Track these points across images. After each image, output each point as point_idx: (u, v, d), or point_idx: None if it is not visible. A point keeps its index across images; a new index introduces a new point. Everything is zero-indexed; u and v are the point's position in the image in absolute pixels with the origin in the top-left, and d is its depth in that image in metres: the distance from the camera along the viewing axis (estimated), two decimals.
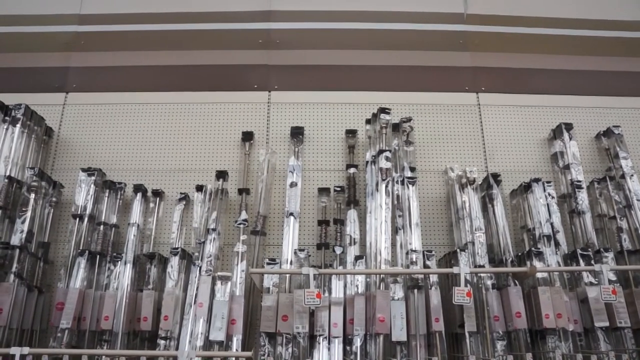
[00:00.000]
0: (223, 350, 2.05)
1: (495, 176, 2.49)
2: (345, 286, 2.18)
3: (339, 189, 2.49)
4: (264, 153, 2.54)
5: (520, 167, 2.69)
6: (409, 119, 2.62)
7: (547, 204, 2.39)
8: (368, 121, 2.63)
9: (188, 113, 2.79)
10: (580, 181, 2.47)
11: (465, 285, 1.96)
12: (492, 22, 3.08)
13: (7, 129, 2.46)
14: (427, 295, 2.13)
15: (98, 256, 2.28)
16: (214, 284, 2.16)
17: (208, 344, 2.05)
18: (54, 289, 2.30)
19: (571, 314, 2.12)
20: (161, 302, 2.16)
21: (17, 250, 2.19)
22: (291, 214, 2.41)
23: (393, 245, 2.27)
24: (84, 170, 2.46)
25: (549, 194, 2.42)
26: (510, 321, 2.09)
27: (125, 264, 2.27)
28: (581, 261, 2.20)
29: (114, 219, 2.45)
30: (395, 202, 2.36)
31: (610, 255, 2.23)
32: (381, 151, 2.41)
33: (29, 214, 2.30)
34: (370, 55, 2.96)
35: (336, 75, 2.91)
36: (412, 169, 2.51)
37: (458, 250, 2.22)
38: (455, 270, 2.00)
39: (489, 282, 2.19)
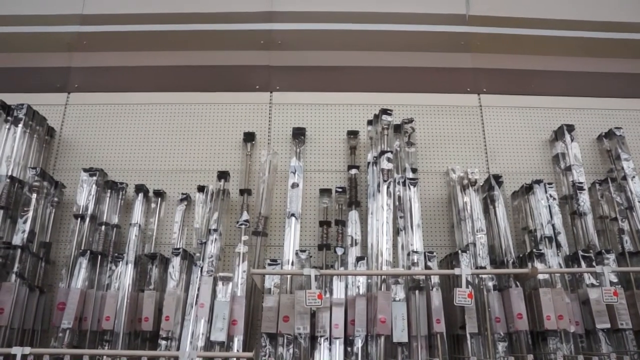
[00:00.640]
0: (224, 350, 2.05)
1: (497, 177, 2.49)
2: (346, 287, 2.18)
3: (340, 190, 2.49)
4: (265, 154, 2.54)
5: (522, 169, 2.68)
6: (411, 120, 2.63)
7: (549, 206, 2.39)
8: (370, 122, 2.63)
9: (190, 113, 2.79)
10: (581, 183, 2.47)
11: (467, 287, 1.96)
12: (494, 23, 3.08)
13: (9, 129, 2.47)
14: (428, 296, 2.13)
15: (99, 256, 2.29)
16: (215, 284, 2.16)
17: (209, 345, 2.05)
18: (56, 289, 2.30)
19: (572, 315, 2.12)
20: (162, 303, 2.17)
21: (19, 250, 2.20)
22: (293, 214, 2.41)
23: (394, 246, 2.28)
24: (85, 170, 2.47)
25: (551, 196, 2.42)
26: (512, 322, 2.09)
27: (126, 264, 2.27)
28: (582, 263, 2.20)
29: (115, 219, 2.46)
30: (397, 203, 2.36)
31: (612, 256, 2.23)
32: (383, 152, 2.41)
33: (30, 214, 2.30)
34: (372, 57, 2.96)
35: (338, 76, 2.91)
36: (414, 170, 2.51)
37: (459, 251, 2.22)
38: (456, 271, 2.00)
39: (490, 284, 2.19)
